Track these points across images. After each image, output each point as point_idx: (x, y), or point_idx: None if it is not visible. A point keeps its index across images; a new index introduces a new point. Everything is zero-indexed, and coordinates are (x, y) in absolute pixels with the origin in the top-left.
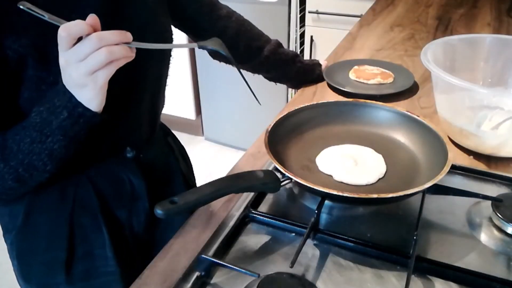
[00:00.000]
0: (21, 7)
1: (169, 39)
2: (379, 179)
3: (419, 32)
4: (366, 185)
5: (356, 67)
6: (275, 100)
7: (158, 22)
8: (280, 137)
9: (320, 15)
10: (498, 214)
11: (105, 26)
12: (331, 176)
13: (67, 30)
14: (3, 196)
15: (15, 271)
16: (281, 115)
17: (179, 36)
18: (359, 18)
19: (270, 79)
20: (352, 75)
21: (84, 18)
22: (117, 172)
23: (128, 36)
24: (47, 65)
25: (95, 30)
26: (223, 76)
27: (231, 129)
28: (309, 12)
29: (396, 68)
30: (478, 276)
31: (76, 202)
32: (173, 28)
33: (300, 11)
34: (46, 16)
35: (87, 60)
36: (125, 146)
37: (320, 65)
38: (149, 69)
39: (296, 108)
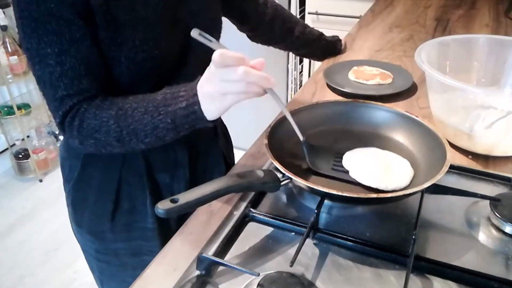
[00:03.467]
0: (193, 35)
1: (219, 28)
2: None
3: (418, 33)
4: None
5: (355, 67)
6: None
7: (211, 10)
8: (280, 137)
9: (319, 16)
10: (496, 214)
11: (163, 9)
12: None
13: (222, 58)
14: (102, 149)
15: (69, 217)
16: (281, 115)
17: None
18: (358, 19)
19: (299, 55)
20: (351, 75)
21: (147, 6)
22: None
23: (271, 82)
24: (115, 28)
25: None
26: None
27: (231, 129)
28: (308, 13)
29: (395, 68)
30: (477, 275)
31: (125, 162)
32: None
33: (300, 12)
34: (213, 42)
35: (227, 84)
36: None
37: (340, 40)
38: (194, 55)
39: (295, 108)
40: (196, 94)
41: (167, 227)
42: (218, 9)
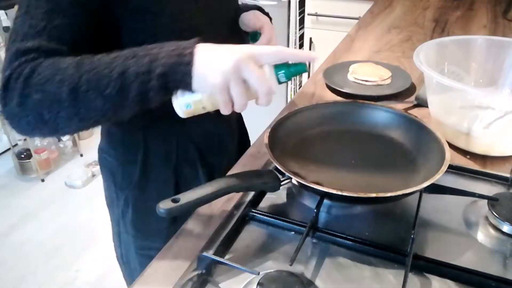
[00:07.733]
0: None
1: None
2: None
3: (416, 34)
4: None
5: (354, 68)
6: (274, 101)
7: None
8: (280, 137)
9: (319, 17)
10: (494, 213)
11: None
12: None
13: (280, 54)
14: (45, 110)
15: (121, 224)
16: (281, 116)
17: None
18: (357, 20)
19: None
20: (350, 76)
21: None
22: (207, 126)
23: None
24: None
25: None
26: None
27: None
28: (308, 14)
29: (394, 69)
30: (475, 274)
31: (179, 155)
32: None
33: (300, 13)
34: None
35: (241, 84)
36: None
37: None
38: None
39: (295, 108)
40: (195, 46)
41: None
42: None
